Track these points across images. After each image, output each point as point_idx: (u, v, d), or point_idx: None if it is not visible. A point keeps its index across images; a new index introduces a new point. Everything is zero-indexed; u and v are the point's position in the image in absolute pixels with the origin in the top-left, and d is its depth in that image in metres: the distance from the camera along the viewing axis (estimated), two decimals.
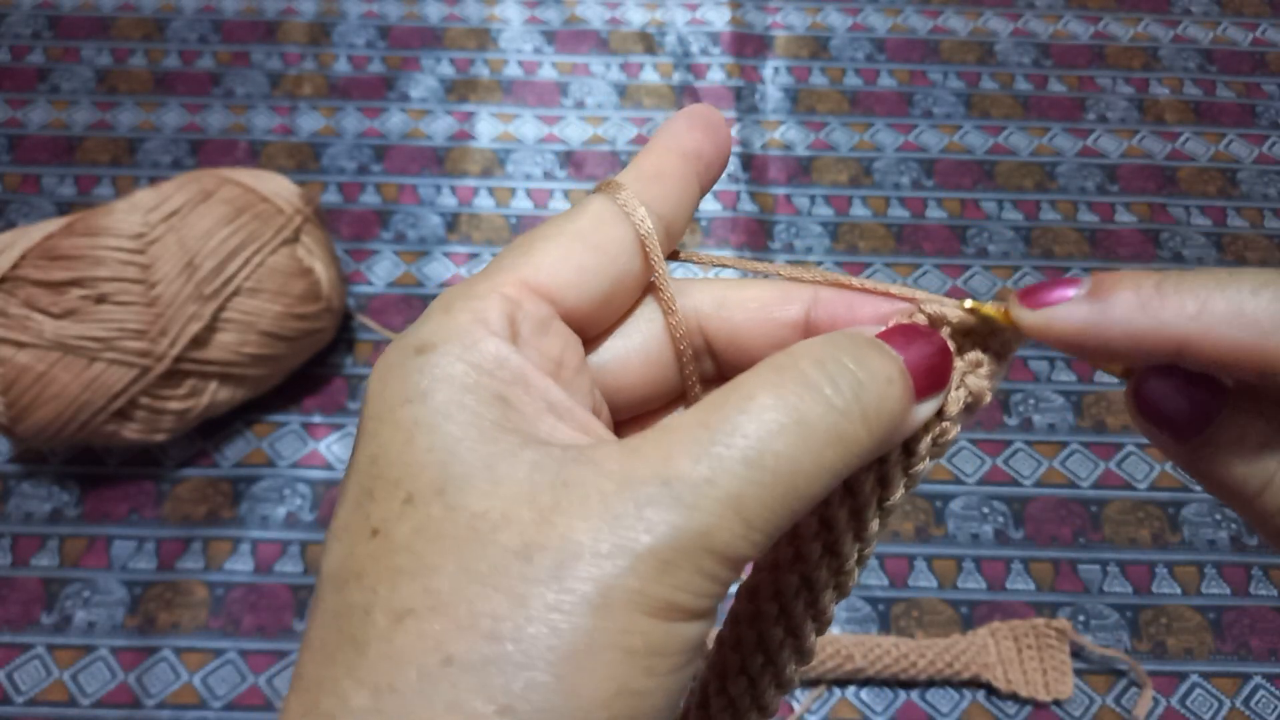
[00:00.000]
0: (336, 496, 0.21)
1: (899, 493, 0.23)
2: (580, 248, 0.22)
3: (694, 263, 0.25)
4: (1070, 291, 0.20)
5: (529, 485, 0.18)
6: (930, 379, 0.21)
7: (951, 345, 0.22)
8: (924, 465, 0.23)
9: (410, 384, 0.19)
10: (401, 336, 0.21)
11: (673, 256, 0.25)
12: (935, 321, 0.23)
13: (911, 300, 0.23)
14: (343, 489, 0.20)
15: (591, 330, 0.23)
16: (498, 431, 0.19)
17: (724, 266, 0.25)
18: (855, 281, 0.23)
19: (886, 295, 0.23)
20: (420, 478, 0.18)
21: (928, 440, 0.23)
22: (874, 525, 0.23)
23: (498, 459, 0.18)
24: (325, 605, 0.18)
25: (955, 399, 0.22)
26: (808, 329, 0.24)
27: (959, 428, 0.23)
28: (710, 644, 0.21)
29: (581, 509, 0.17)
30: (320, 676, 0.18)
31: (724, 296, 0.24)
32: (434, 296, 0.64)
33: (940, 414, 0.22)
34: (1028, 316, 0.21)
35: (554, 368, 0.21)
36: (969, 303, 0.22)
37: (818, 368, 0.19)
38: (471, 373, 0.19)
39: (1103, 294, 0.20)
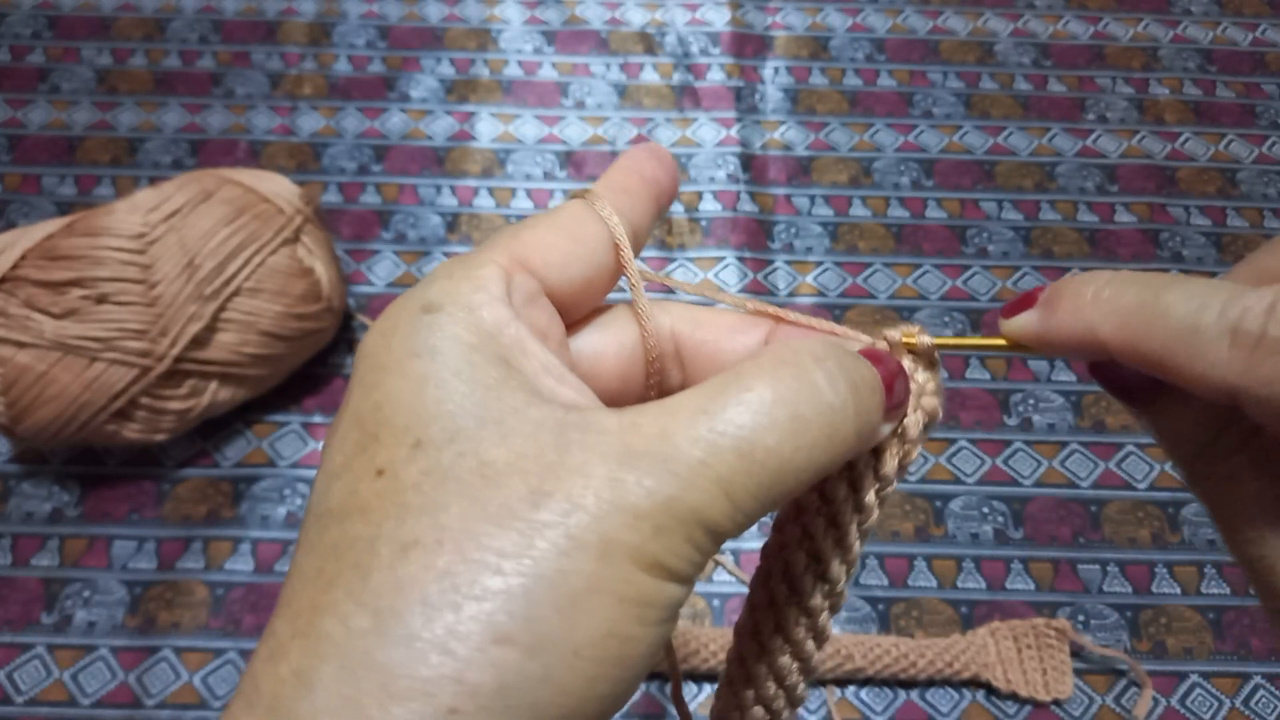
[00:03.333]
0: (326, 440, 0.21)
1: (875, 515, 0.25)
2: (563, 236, 0.24)
3: (653, 281, 0.27)
4: (1030, 306, 0.24)
5: (535, 440, 0.19)
6: (894, 397, 0.23)
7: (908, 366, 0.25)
8: (893, 488, 0.25)
9: (419, 339, 0.20)
10: (405, 297, 0.22)
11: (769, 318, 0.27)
12: (894, 348, 0.25)
13: (843, 335, 0.26)
14: (336, 433, 0.21)
15: (569, 314, 0.25)
16: (504, 389, 0.20)
17: (671, 290, 0.28)
18: (791, 316, 0.26)
19: (821, 330, 0.26)
20: (431, 426, 0.19)
21: (894, 464, 0.25)
22: (856, 546, 0.25)
23: (505, 414, 0.19)
24: (324, 538, 0.19)
25: (915, 421, 0.25)
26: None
27: (919, 448, 0.25)
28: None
29: (585, 468, 0.19)
30: (317, 601, 0.18)
31: (698, 315, 0.26)
32: None
33: (903, 436, 0.24)
34: (1004, 326, 0.25)
35: (542, 338, 0.23)
36: (896, 333, 0.26)
37: (818, 365, 0.21)
38: (475, 334, 0.20)
39: (1050, 305, 0.23)
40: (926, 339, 0.25)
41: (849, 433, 0.21)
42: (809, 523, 0.25)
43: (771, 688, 0.26)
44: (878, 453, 0.25)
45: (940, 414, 0.25)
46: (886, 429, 0.23)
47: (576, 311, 0.25)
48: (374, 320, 0.22)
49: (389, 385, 0.20)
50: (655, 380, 0.26)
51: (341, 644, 0.17)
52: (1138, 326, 0.21)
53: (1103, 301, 0.22)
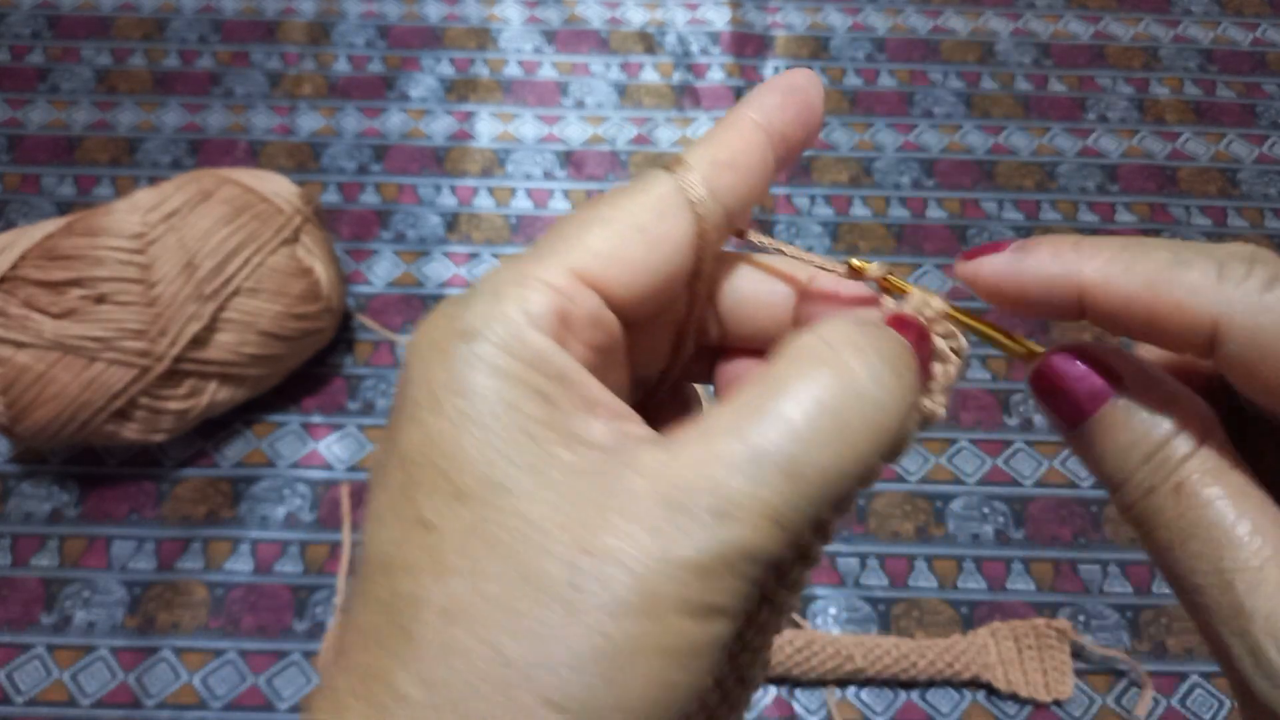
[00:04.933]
0: (372, 476, 0.21)
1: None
2: (638, 241, 0.21)
3: (756, 248, 0.25)
4: (999, 251, 0.22)
5: (574, 491, 0.18)
6: (926, 368, 0.22)
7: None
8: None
9: (456, 373, 0.19)
10: (446, 314, 0.20)
11: (738, 235, 0.25)
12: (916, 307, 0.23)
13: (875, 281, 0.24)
14: (381, 469, 0.20)
15: (633, 319, 0.22)
16: (540, 429, 0.19)
17: (781, 253, 0.25)
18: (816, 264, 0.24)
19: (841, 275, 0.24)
20: (468, 473, 0.19)
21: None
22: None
23: (541, 461, 0.19)
24: (374, 591, 0.19)
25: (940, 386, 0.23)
26: (802, 295, 0.25)
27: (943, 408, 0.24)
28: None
29: (623, 517, 0.18)
30: (370, 664, 0.18)
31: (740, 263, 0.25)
32: (434, 297, 0.64)
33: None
34: (959, 267, 0.23)
35: (598, 359, 0.21)
36: (855, 261, 0.24)
37: (859, 358, 0.19)
38: (515, 366, 0.19)
39: (1025, 249, 0.22)
40: (936, 302, 0.23)
41: (895, 424, 0.19)
42: None
43: None
44: None
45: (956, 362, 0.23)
46: (925, 404, 0.22)
47: (641, 317, 0.23)
48: (414, 332, 0.21)
49: (430, 425, 0.19)
50: (689, 343, 0.24)
51: (396, 714, 0.17)
52: (1124, 262, 0.20)
53: (1085, 245, 0.21)
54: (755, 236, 0.25)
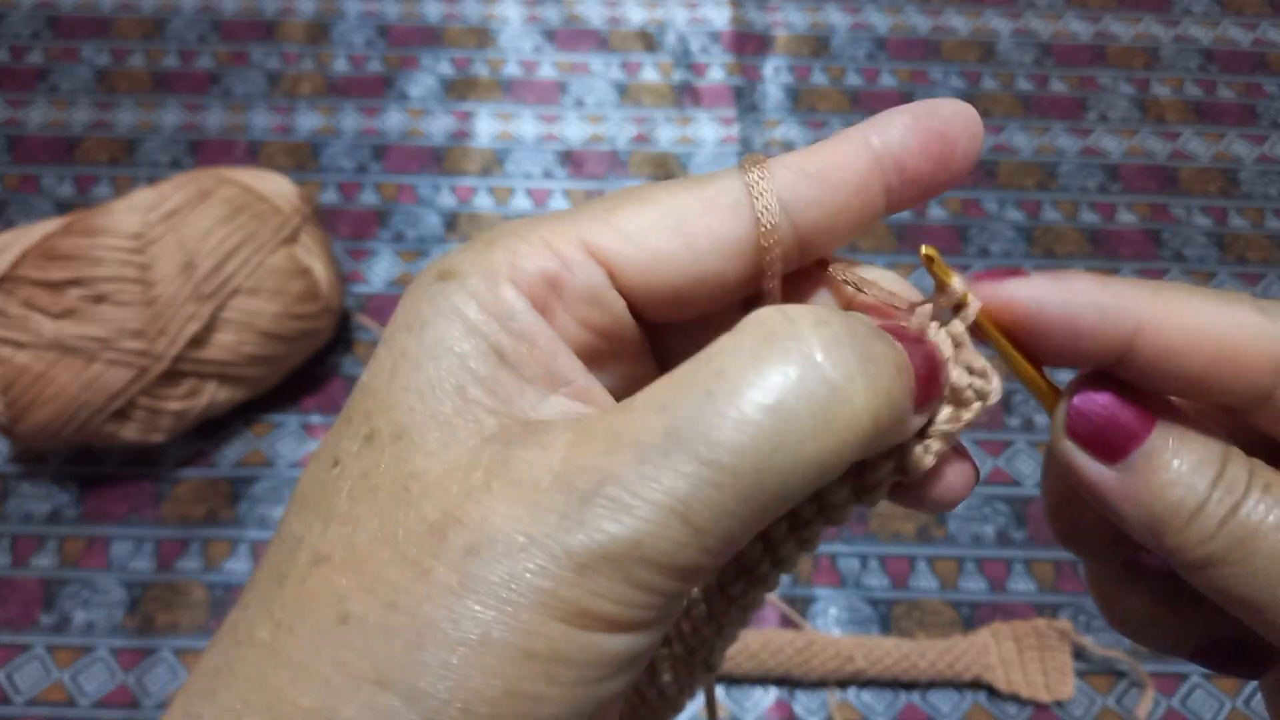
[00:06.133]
0: None
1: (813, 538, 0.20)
2: (670, 230, 0.19)
3: (844, 281, 0.21)
4: (1020, 275, 0.19)
5: (472, 455, 0.17)
6: (928, 386, 0.18)
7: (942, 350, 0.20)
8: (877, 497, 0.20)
9: (418, 310, 0.18)
10: (442, 256, 0.19)
11: (819, 265, 0.21)
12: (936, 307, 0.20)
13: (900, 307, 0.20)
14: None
15: (657, 315, 0.20)
16: (476, 387, 0.17)
17: (860, 290, 0.21)
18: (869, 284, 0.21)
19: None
20: (385, 415, 0.18)
21: (888, 470, 0.19)
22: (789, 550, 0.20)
23: (459, 417, 0.17)
24: (282, 527, 0.18)
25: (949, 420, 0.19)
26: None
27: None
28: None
29: (509, 492, 0.16)
30: (248, 600, 0.18)
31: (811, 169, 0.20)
32: None
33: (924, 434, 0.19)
34: (977, 288, 0.19)
35: (595, 341, 0.19)
36: (924, 249, 0.19)
37: (819, 330, 0.16)
38: (480, 314, 0.18)
39: (1059, 275, 0.19)
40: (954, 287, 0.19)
41: (857, 423, 0.16)
42: None
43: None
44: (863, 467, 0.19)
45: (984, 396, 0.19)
46: (918, 421, 0.18)
47: (665, 317, 0.20)
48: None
49: (375, 362, 0.18)
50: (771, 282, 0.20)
51: (246, 653, 0.17)
52: (1187, 303, 0.18)
53: (1123, 280, 0.18)
54: (841, 272, 0.21)
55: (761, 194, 0.19)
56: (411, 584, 0.16)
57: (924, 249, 0.19)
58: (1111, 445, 0.18)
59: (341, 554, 0.17)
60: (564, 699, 0.15)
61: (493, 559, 0.15)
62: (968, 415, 0.19)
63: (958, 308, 0.19)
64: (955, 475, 0.20)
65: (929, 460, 0.19)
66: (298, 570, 0.17)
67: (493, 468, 0.16)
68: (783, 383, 0.16)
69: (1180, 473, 0.18)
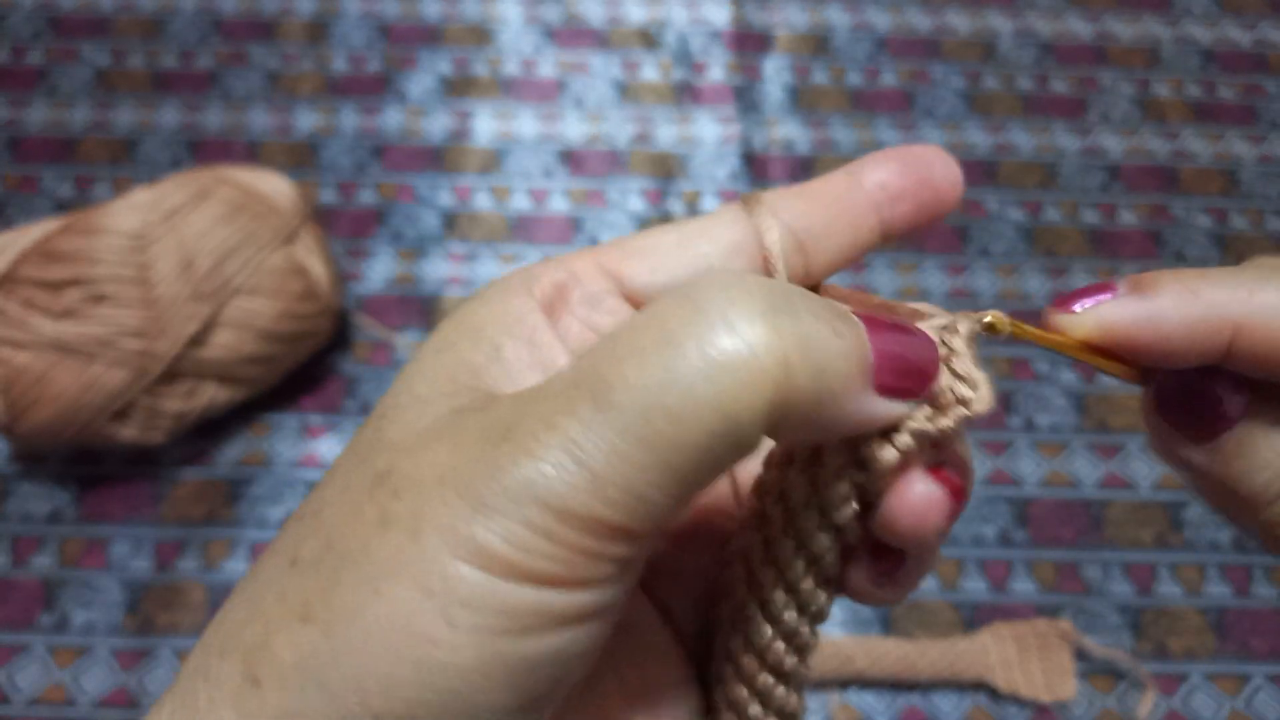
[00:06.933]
0: None
1: (830, 556, 0.19)
2: (672, 241, 0.21)
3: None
4: (1108, 294, 0.19)
5: (434, 421, 0.18)
6: (902, 373, 0.17)
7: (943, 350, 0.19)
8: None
9: (464, 305, 0.21)
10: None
11: (812, 289, 0.21)
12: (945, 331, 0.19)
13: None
14: None
15: None
16: (471, 377, 0.19)
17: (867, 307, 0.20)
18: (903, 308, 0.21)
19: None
20: (383, 403, 0.19)
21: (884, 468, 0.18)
22: (808, 584, 0.20)
23: (440, 396, 0.19)
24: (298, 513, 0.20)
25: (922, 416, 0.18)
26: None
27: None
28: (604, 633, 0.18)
29: (443, 444, 0.17)
30: (270, 547, 0.19)
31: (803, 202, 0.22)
32: (432, 296, 0.64)
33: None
34: (1075, 321, 0.19)
35: (594, 340, 0.21)
36: (988, 316, 0.19)
37: (729, 281, 0.16)
38: (488, 318, 0.20)
39: (1146, 289, 0.19)
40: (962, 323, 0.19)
41: (757, 359, 0.15)
42: (749, 542, 0.20)
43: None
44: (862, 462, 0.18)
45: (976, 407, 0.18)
46: (885, 409, 0.17)
47: None
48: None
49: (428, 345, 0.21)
50: None
51: (231, 600, 0.19)
52: (1273, 298, 0.18)
53: (1213, 276, 0.18)
54: (839, 293, 0.21)
55: (758, 215, 0.21)
56: (345, 524, 0.17)
57: (990, 317, 0.19)
58: (1201, 429, 0.19)
59: (312, 508, 0.18)
60: (463, 645, 0.15)
61: (409, 496, 0.16)
62: (945, 421, 0.18)
63: (988, 327, 0.19)
64: (919, 493, 0.18)
65: (888, 455, 0.17)
66: (291, 525, 0.19)
67: (442, 428, 0.17)
68: (676, 323, 0.15)
69: (1268, 459, 0.19)
